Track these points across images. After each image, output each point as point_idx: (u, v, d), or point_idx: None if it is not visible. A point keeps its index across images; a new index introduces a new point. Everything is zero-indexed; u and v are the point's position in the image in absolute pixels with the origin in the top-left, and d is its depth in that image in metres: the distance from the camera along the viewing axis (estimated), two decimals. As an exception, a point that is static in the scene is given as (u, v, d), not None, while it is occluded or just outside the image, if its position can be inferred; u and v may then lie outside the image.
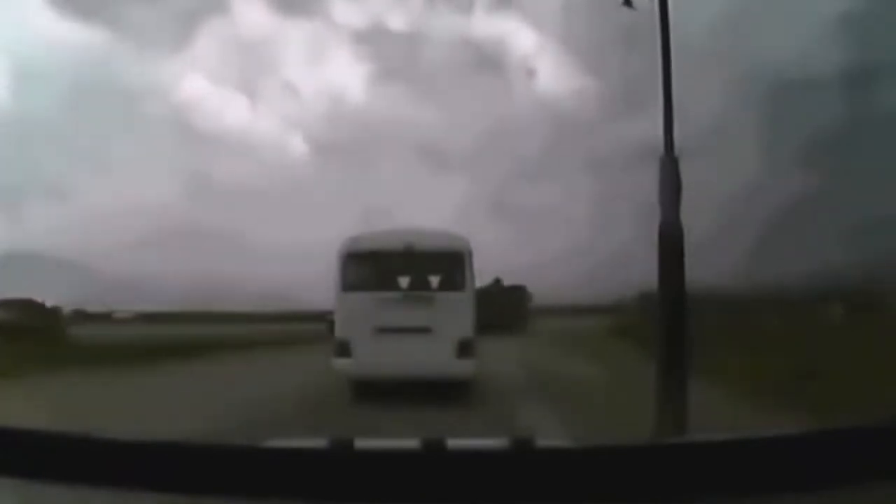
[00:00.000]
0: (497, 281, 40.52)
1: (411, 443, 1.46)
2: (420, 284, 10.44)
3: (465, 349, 9.77)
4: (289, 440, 1.46)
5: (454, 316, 9.96)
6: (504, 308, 36.27)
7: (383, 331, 9.77)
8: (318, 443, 1.42)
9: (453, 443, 1.44)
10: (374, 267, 10.59)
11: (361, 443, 1.42)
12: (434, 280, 10.66)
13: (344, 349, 9.92)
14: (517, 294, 40.68)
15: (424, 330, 9.77)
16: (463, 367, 9.72)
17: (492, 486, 1.21)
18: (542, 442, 1.47)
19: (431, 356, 9.52)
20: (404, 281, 10.53)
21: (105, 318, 54.12)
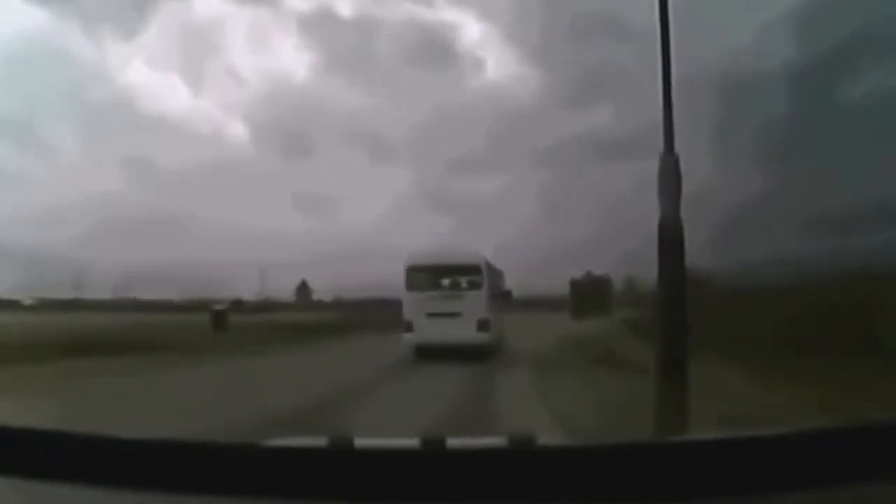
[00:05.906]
0: (587, 273, 48.55)
1: (411, 441, 1.45)
2: (454, 286, 16.73)
3: (482, 326, 15.78)
4: (288, 439, 1.46)
5: (476, 305, 15.84)
6: (593, 296, 43.51)
7: (432, 315, 15.79)
8: (318, 442, 1.41)
9: (453, 441, 1.43)
10: (425, 274, 16.68)
11: (361, 441, 1.42)
12: (463, 282, 16.71)
13: (409, 327, 16.08)
14: (603, 284, 46.77)
15: (457, 314, 15.69)
16: (481, 337, 15.74)
17: (492, 484, 1.21)
18: (543, 440, 1.46)
19: (461, 330, 15.49)
20: (445, 282, 16.86)
21: (14, 304, 53.73)
